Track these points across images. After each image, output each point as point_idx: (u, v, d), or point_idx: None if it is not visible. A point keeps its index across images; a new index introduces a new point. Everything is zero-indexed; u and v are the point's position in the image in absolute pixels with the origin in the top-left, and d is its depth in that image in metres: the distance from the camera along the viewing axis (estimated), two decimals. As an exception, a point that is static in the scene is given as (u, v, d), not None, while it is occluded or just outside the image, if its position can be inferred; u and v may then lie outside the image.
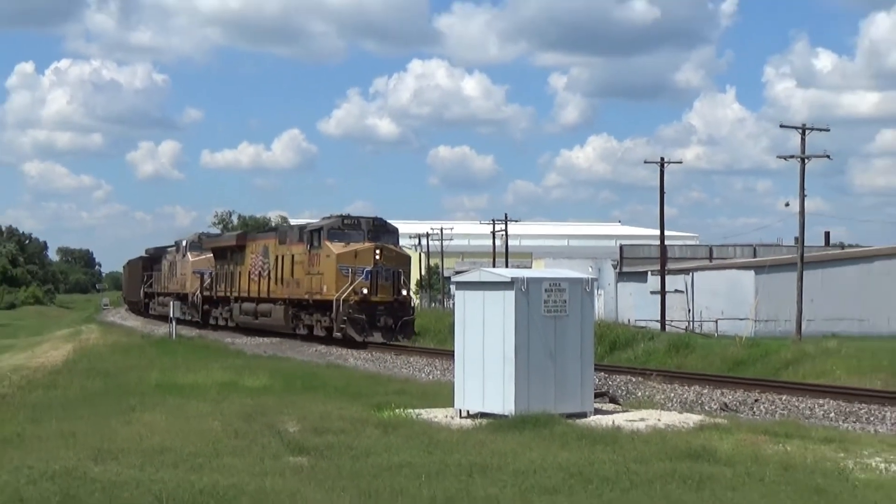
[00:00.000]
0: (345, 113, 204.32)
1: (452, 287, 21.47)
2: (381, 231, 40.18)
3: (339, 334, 37.77)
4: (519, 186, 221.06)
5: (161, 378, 25.53)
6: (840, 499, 10.68)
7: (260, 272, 46.17)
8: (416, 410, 19.01)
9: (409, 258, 42.54)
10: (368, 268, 37.22)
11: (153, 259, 72.07)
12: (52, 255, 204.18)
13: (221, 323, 52.82)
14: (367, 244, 38.43)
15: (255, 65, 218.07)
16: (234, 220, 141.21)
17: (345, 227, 39.49)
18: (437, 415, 18.72)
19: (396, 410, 18.56)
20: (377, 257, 37.55)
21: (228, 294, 51.11)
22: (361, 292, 36.93)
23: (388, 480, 11.47)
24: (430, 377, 28.59)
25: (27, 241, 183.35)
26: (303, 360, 34.67)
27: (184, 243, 61.23)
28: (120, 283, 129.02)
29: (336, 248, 38.19)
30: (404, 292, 38.57)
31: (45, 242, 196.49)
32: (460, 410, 19.08)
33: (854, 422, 20.39)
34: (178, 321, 56.44)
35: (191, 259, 58.07)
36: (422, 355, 34.35)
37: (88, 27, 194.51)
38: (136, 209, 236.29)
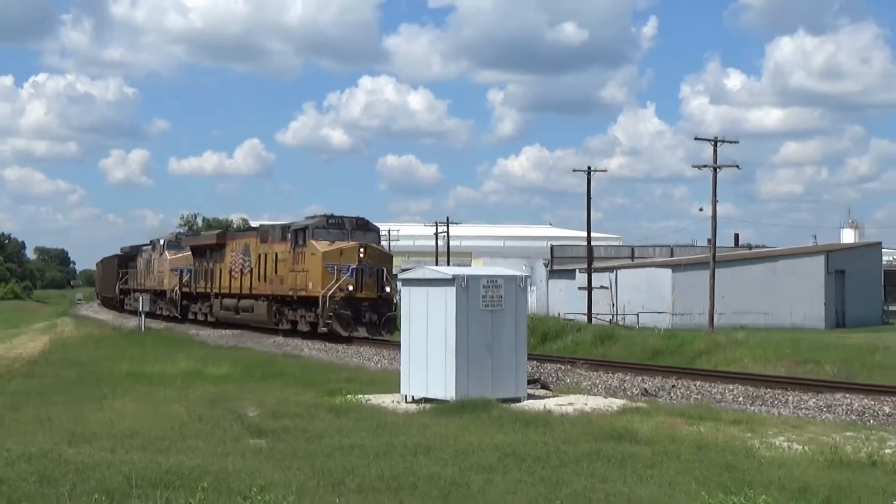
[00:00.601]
0: (301, 124, 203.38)
1: (399, 284, 21.36)
2: (363, 230, 38.66)
3: (324, 329, 36.28)
4: (459, 192, 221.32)
5: (131, 367, 25.31)
6: (747, 475, 10.79)
7: (241, 269, 44.63)
8: (366, 396, 19.03)
9: (391, 257, 41.22)
10: (353, 265, 35.77)
11: (128, 257, 69.90)
12: (30, 254, 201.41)
13: (201, 318, 51.02)
14: (352, 243, 36.95)
15: (218, 80, 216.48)
16: (199, 222, 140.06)
17: (329, 227, 37.94)
18: (385, 400, 18.74)
19: (347, 396, 18.55)
20: (361, 255, 36.09)
21: (208, 290, 49.41)
22: (347, 289, 35.58)
23: (340, 460, 11.49)
24: (379, 366, 28.57)
25: (6, 241, 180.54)
26: (262, 351, 34.47)
27: (161, 242, 59.19)
28: (93, 279, 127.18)
29: (321, 246, 36.71)
30: (387, 289, 37.00)
31: (23, 242, 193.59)
32: (406, 396, 19.13)
33: (760, 405, 20.60)
34: (157, 316, 55.67)
35: (169, 257, 56.09)
36: (370, 346, 34.27)
37: (64, 43, 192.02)
38: (107, 212, 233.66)
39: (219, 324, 48.20)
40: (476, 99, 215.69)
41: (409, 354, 19.42)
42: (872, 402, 20.06)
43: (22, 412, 16.94)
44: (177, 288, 53.68)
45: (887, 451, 12.90)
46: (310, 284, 36.96)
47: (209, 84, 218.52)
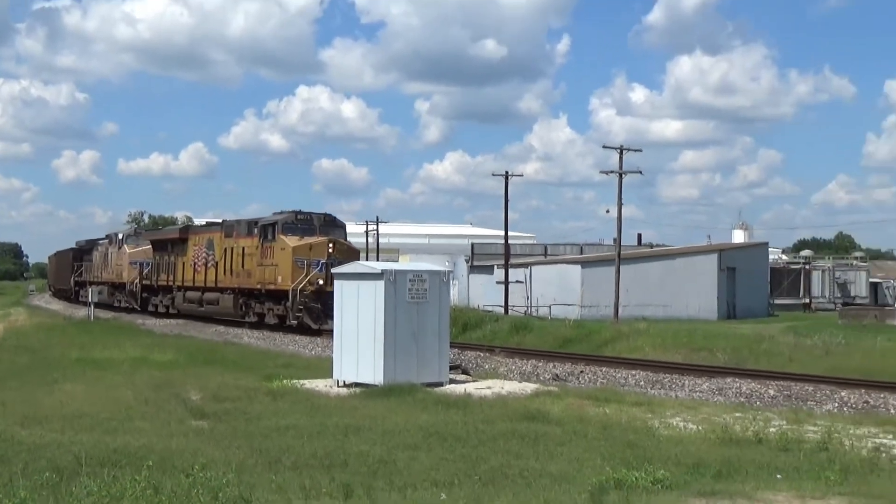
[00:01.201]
0: (242, 129, 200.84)
1: (334, 278, 21.25)
2: (330, 226, 36.64)
3: (294, 322, 34.76)
4: (388, 193, 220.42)
5: (80, 354, 24.98)
6: (648, 451, 10.94)
7: (205, 263, 42.51)
8: (301, 381, 18.97)
9: (358, 252, 39.45)
10: (322, 260, 34.10)
11: (83, 251, 67.28)
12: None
13: (162, 310, 48.74)
14: (321, 238, 35.20)
15: (165, 86, 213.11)
16: (146, 218, 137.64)
17: (298, 222, 36.19)
18: (319, 384, 18.69)
19: (284, 381, 18.47)
20: (330, 250, 34.44)
21: (170, 283, 47.09)
22: (317, 283, 34.05)
23: (276, 440, 11.46)
24: (313, 353, 28.44)
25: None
26: (204, 339, 34.14)
27: (120, 236, 56.46)
28: (45, 272, 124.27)
29: (291, 241, 35.08)
30: None
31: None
32: (338, 381, 19.10)
33: (659, 389, 20.90)
34: (116, 308, 53.67)
35: (128, 250, 53.24)
36: (305, 335, 34.07)
37: (19, 51, 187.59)
38: (59, 209, 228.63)
39: (169, 314, 46.77)
40: (404, 108, 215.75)
41: (340, 342, 19.39)
42: (759, 386, 20.46)
43: (-25, 396, 16.59)
44: (137, 280, 51.28)
45: (772, 429, 13.15)
46: (279, 278, 35.58)
47: (156, 90, 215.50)
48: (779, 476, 9.81)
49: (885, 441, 12.72)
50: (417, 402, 15.49)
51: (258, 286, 37.47)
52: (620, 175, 50.03)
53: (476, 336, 36.00)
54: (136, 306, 51.45)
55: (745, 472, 9.93)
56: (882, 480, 9.68)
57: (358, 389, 17.80)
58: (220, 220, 44.55)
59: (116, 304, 54.81)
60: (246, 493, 8.30)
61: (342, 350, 19.28)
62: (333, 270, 21.72)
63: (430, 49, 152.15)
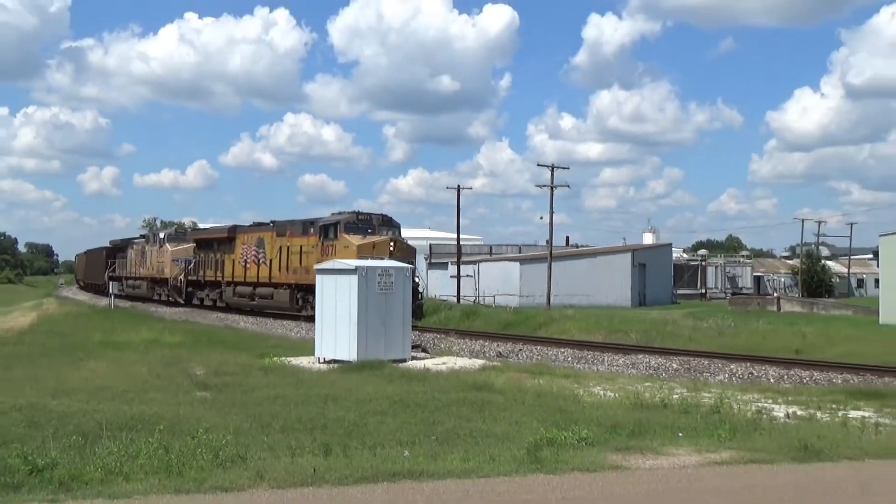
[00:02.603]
0: (238, 150, 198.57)
1: (316, 274, 21.07)
2: (387, 226, 32.43)
3: None
4: (361, 203, 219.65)
5: (103, 337, 24.65)
6: (575, 414, 11.00)
7: (256, 260, 37.68)
8: (288, 358, 18.86)
9: (415, 250, 34.70)
10: (385, 257, 28.66)
11: (117, 249, 62.21)
12: (21, 248, 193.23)
13: (208, 303, 43.73)
14: (383, 237, 30.96)
15: (174, 113, 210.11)
16: (158, 223, 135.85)
17: (359, 222, 31.65)
18: (303, 361, 18.59)
19: (274, 358, 18.38)
20: (391, 248, 30.18)
21: (218, 279, 42.14)
22: None
23: (268, 407, 11.38)
24: (298, 336, 28.28)
25: (2, 238, 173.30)
26: (207, 324, 33.79)
27: (161, 235, 50.76)
28: (72, 268, 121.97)
29: (355, 239, 30.64)
30: (416, 279, 30.02)
31: (15, 238, 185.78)
32: (319, 358, 19.02)
33: (584, 363, 21.01)
34: (156, 301, 48.92)
35: (170, 248, 47.99)
36: (291, 320, 33.84)
37: (49, 83, 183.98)
38: (84, 216, 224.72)
39: (217, 307, 42.17)
40: (374, 133, 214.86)
41: (321, 326, 19.30)
42: (664, 360, 20.64)
43: (13, 372, 16.38)
44: (181, 276, 46.05)
45: (675, 396, 13.29)
46: None
47: (167, 117, 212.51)
48: (680, 434, 9.89)
49: (765, 405, 12.90)
50: (385, 375, 15.45)
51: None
52: (552, 188, 50.36)
53: (433, 321, 36.01)
54: (178, 300, 46.65)
55: (653, 431, 10.00)
56: (763, 437, 9.80)
57: (335, 365, 17.73)
58: (268, 221, 39.51)
59: (156, 298, 49.99)
60: (242, 451, 8.25)
61: (322, 332, 19.19)
62: (315, 267, 21.45)
63: (396, 84, 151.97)
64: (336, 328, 18.73)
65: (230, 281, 41.09)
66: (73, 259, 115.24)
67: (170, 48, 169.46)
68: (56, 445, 8.29)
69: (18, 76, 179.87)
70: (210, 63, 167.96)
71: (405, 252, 30.92)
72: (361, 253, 29.07)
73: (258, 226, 40.48)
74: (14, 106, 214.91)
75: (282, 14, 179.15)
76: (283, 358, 18.81)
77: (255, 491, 7.02)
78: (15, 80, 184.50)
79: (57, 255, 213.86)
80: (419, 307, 30.02)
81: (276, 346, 22.59)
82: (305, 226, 34.62)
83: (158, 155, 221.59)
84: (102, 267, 64.13)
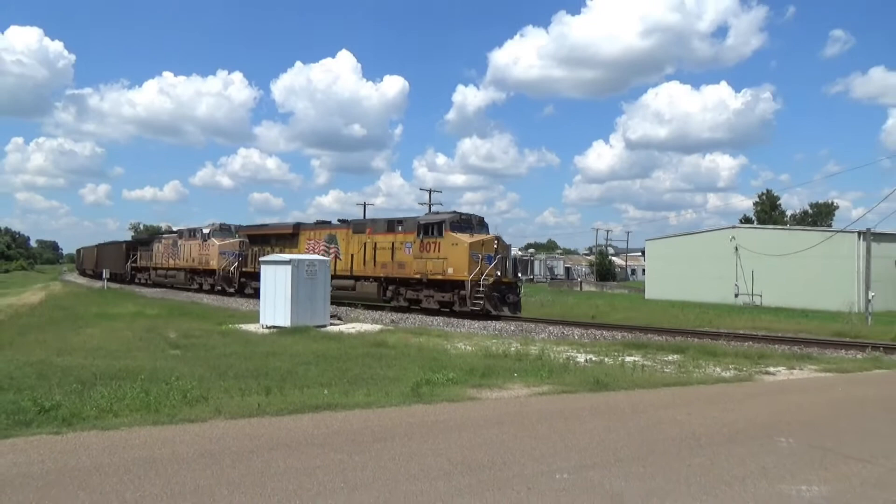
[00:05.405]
0: (203, 173, 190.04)
1: (260, 264, 20.48)
2: (482, 226, 25.81)
3: (476, 308, 23.32)
4: (296, 214, 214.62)
5: (98, 310, 23.06)
6: (444, 363, 11.04)
7: (325, 254, 29.93)
8: (239, 325, 18.22)
9: (510, 247, 27.05)
10: (491, 255, 23.86)
11: (140, 242, 53.34)
12: (33, 244, 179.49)
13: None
14: (490, 236, 24.65)
15: (154, 145, 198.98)
16: (141, 227, 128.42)
17: (461, 222, 25.05)
18: (251, 327, 17.99)
19: (229, 325, 17.74)
20: (496, 246, 24.14)
21: None
22: (496, 274, 23.51)
23: (224, 360, 10.97)
24: (247, 308, 27.29)
25: (18, 236, 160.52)
26: (179, 300, 32.13)
27: (206, 230, 41.47)
28: (73, 260, 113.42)
29: (464, 237, 24.20)
30: (519, 279, 25.60)
31: (28, 236, 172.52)
32: (262, 325, 18.45)
33: (451, 327, 21.09)
34: (197, 290, 39.68)
35: (217, 243, 39.28)
36: (241, 297, 32.67)
37: (57, 120, 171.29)
38: (83, 220, 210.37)
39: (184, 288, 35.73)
40: (304, 164, 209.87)
41: (264, 301, 18.76)
42: (505, 325, 21.01)
43: (27, 337, 15.19)
44: (232, 267, 37.39)
45: (512, 349, 13.56)
46: (449, 270, 24.35)
47: (149, 148, 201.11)
48: (515, 375, 10.13)
49: (572, 354, 13.33)
50: (311, 337, 15.17)
51: (416, 276, 25.64)
52: (430, 205, 50.59)
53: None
54: (228, 289, 37.43)
55: (498, 373, 10.20)
56: (570, 375, 10.15)
57: (275, 330, 17.24)
58: (337, 220, 31.90)
59: (196, 287, 40.56)
60: (204, 393, 7.93)
61: (265, 306, 18.65)
62: (260, 259, 20.61)
63: (321, 129, 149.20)
64: (275, 302, 18.27)
65: None
66: (74, 252, 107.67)
67: (152, 97, 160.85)
68: (60, 391, 7.77)
69: (32, 114, 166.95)
70: (182, 109, 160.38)
71: (506, 250, 25.32)
72: (473, 249, 23.86)
73: (322, 224, 33.12)
74: (28, 137, 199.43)
75: (237, 75, 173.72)
76: (236, 325, 18.16)
77: (214, 421, 6.80)
78: (30, 117, 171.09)
79: (62, 250, 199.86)
80: (519, 300, 24.29)
81: (231, 316, 21.76)
82: (391, 224, 27.81)
83: (142, 176, 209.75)
84: (122, 259, 53.80)
